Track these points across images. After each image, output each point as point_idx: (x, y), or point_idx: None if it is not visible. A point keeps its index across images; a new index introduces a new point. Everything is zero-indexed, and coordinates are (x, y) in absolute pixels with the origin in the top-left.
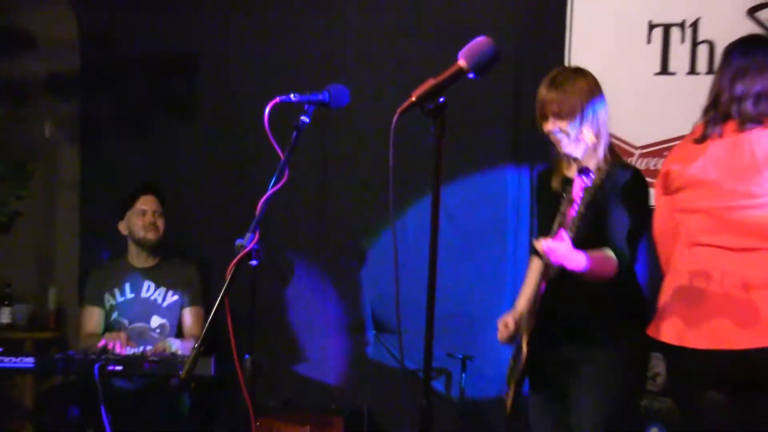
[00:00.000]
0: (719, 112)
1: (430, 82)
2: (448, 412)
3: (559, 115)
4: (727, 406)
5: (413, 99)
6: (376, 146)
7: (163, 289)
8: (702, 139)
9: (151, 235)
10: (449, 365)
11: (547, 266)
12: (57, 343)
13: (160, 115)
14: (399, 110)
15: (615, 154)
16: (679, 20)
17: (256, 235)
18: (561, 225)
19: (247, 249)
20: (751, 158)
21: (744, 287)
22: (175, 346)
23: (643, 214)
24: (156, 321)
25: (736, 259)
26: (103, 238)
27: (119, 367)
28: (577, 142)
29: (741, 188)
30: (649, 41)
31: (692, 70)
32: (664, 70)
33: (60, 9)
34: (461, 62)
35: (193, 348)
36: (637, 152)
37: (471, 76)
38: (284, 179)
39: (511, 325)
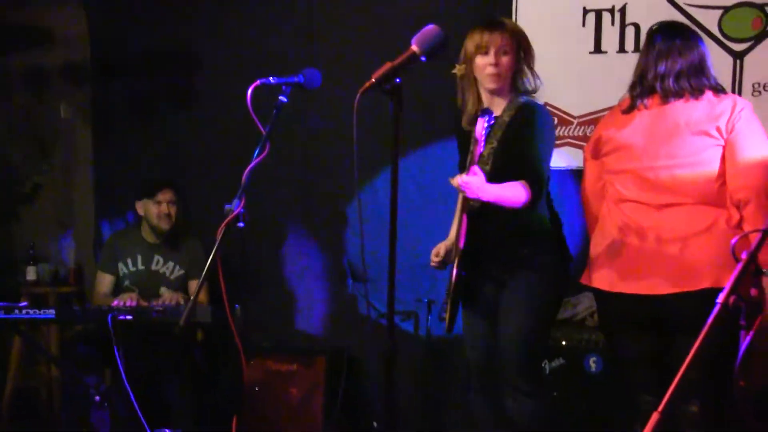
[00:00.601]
0: (645, 87)
1: (387, 65)
2: (415, 349)
3: (504, 51)
4: (647, 343)
5: (373, 80)
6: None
7: (171, 264)
8: (629, 109)
9: (164, 224)
10: (418, 309)
11: (466, 200)
12: (76, 296)
13: (163, 101)
14: (360, 90)
15: (520, 91)
16: (609, 6)
17: (242, 201)
18: (471, 162)
19: (235, 213)
20: (674, 125)
21: (661, 240)
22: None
23: (548, 144)
24: (164, 291)
25: (655, 214)
26: (114, 205)
27: (129, 317)
28: (504, 78)
29: (663, 151)
30: (584, 24)
31: (621, 49)
32: (597, 49)
33: (72, 6)
34: (414, 47)
35: (190, 300)
36: (575, 121)
37: (423, 59)
38: (266, 152)
39: (442, 253)
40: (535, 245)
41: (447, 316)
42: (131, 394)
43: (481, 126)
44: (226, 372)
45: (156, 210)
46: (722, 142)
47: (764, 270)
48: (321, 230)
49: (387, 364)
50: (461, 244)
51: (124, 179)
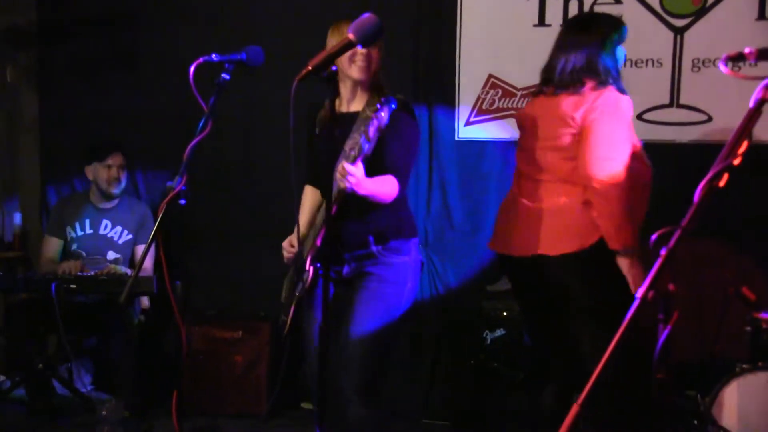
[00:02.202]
0: (547, 76)
1: (324, 53)
2: None
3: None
4: (533, 301)
5: (309, 68)
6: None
7: (119, 228)
8: (536, 93)
9: (113, 188)
10: None
11: (340, 191)
12: (21, 262)
13: (108, 63)
14: (297, 78)
15: (384, 85)
16: None
17: (184, 178)
18: (353, 154)
19: (176, 190)
20: (554, 114)
21: (534, 209)
22: (123, 269)
23: (413, 141)
24: (111, 255)
25: (533, 186)
26: (60, 170)
27: (73, 285)
28: (368, 70)
29: (542, 134)
30: None
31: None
32: (541, 22)
33: None
34: (350, 35)
35: (131, 275)
36: (519, 93)
37: (359, 47)
38: (207, 129)
39: (296, 246)
40: (396, 240)
41: (289, 319)
42: (69, 364)
43: (375, 122)
44: (169, 339)
45: (106, 174)
46: (575, 130)
47: (619, 250)
48: (263, 199)
49: (320, 339)
50: (318, 241)
51: (71, 144)
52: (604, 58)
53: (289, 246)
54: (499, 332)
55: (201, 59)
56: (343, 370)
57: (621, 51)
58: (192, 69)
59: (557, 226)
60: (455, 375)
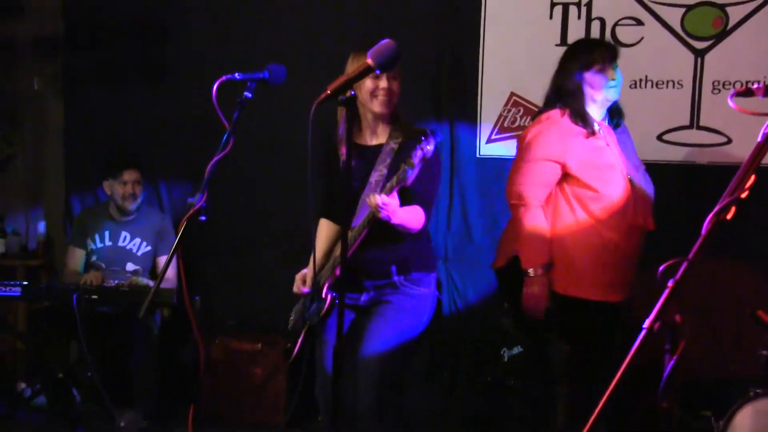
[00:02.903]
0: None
1: (343, 78)
2: None
3: (394, 76)
4: None
5: (329, 92)
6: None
7: (138, 240)
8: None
9: (128, 204)
10: None
11: (371, 218)
12: (45, 269)
13: (134, 74)
14: (316, 101)
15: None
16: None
17: (205, 195)
18: (391, 184)
19: (196, 207)
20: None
21: None
22: (144, 281)
23: (438, 174)
24: (131, 266)
25: None
26: (84, 180)
27: (95, 296)
28: (390, 104)
29: None
30: (551, 17)
31: None
32: (563, 41)
33: None
34: (369, 61)
35: (152, 288)
36: None
37: (378, 72)
38: (229, 147)
39: (309, 279)
40: (416, 270)
41: (297, 346)
42: (90, 373)
43: (419, 153)
44: (188, 351)
45: (121, 190)
46: None
47: (528, 271)
48: (291, 211)
49: (335, 357)
50: (338, 270)
51: (95, 153)
52: (555, 80)
53: (301, 282)
54: (517, 350)
55: (224, 77)
56: (355, 390)
57: (595, 76)
58: (215, 87)
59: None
60: (473, 391)
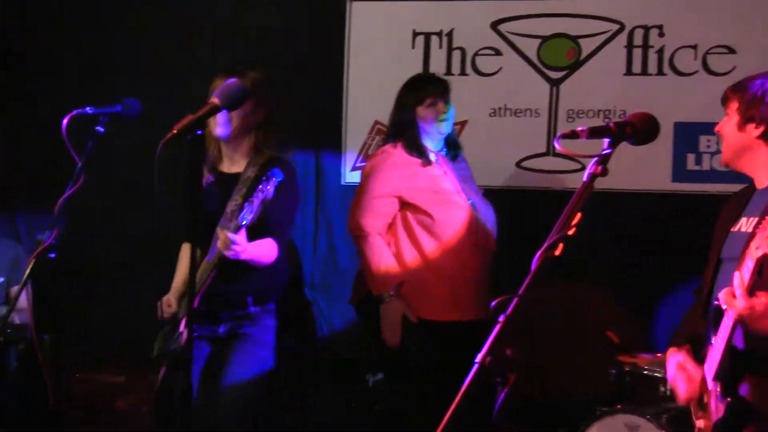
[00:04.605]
0: None
1: (189, 117)
2: None
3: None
4: None
5: (175, 131)
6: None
7: None
8: None
9: None
10: None
11: (221, 257)
12: None
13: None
14: (162, 141)
15: (266, 144)
16: (437, 30)
17: (54, 232)
18: (235, 225)
19: (45, 244)
20: None
21: None
22: None
23: (294, 206)
24: None
25: None
26: None
27: None
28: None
29: None
30: (413, 47)
31: (448, 72)
32: (426, 70)
33: None
34: (215, 100)
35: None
36: None
37: (224, 111)
38: (80, 182)
39: (174, 305)
40: (270, 300)
41: (161, 377)
42: None
43: (264, 185)
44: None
45: None
46: None
47: (380, 296)
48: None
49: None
50: (196, 302)
51: None
52: (392, 116)
53: (166, 306)
54: (380, 375)
55: (75, 112)
56: (218, 422)
57: (427, 110)
58: (65, 122)
59: None
60: (339, 418)
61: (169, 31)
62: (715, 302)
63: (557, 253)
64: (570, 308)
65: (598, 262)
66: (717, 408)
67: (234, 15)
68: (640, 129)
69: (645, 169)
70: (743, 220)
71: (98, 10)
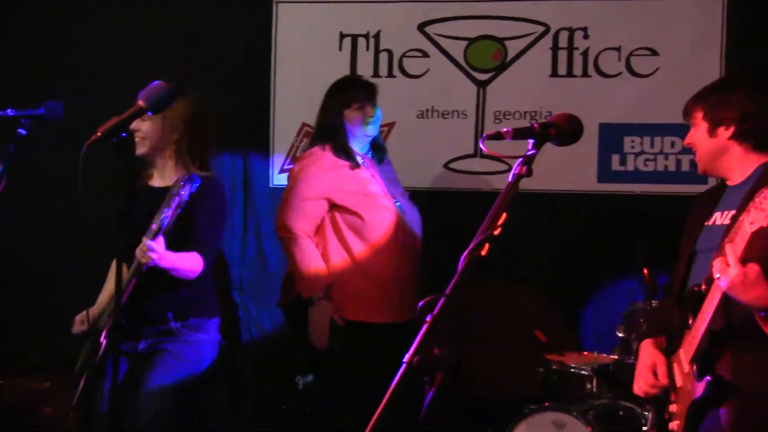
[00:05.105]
0: None
1: (114, 120)
2: None
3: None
4: None
5: (99, 134)
6: None
7: None
8: None
9: None
10: None
11: (138, 266)
12: None
13: None
14: (86, 143)
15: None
16: (364, 31)
17: None
18: (154, 229)
19: None
20: None
21: None
22: None
23: (219, 216)
24: None
25: None
26: None
27: None
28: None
29: None
30: (340, 49)
31: (375, 74)
32: (353, 72)
33: None
34: (140, 102)
35: None
36: None
37: (149, 113)
38: (2, 185)
39: (85, 325)
40: (192, 312)
41: (80, 391)
42: None
43: (181, 194)
44: None
45: None
46: None
47: (309, 299)
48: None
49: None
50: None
51: None
52: (318, 118)
53: (79, 323)
54: (310, 377)
55: None
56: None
57: (354, 114)
58: None
59: None
60: (272, 419)
61: (94, 35)
62: (695, 288)
63: (483, 253)
64: (498, 308)
65: (525, 263)
66: (694, 388)
67: (160, 18)
68: (563, 130)
69: (571, 170)
70: (717, 214)
71: (21, 12)
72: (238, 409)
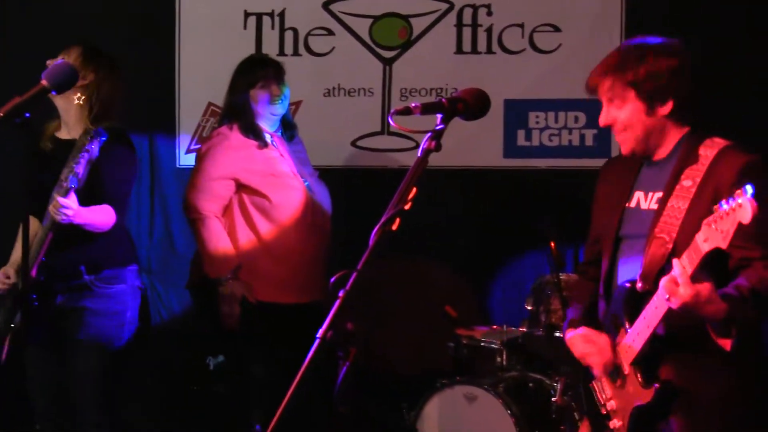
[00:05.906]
0: None
1: (16, 100)
2: None
3: (64, 88)
4: None
5: (1, 114)
6: None
7: None
8: None
9: None
10: None
11: (54, 222)
12: None
13: None
14: None
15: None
16: (269, 10)
17: None
18: (65, 186)
19: None
20: None
21: None
22: None
23: (128, 169)
24: None
25: None
26: None
27: None
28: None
29: None
30: (245, 27)
31: (281, 52)
32: (258, 51)
33: None
34: (44, 82)
35: None
36: None
37: (53, 93)
38: None
39: (12, 277)
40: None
41: (5, 349)
42: None
43: (86, 151)
44: None
45: None
46: None
47: (218, 280)
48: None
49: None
50: (34, 272)
51: None
52: (226, 98)
53: (3, 277)
54: (221, 358)
55: None
56: (73, 403)
57: (260, 92)
58: None
59: None
60: (187, 401)
61: None
62: (626, 284)
63: (394, 227)
64: (408, 284)
65: (434, 239)
66: (638, 393)
67: None
68: (471, 104)
69: (477, 146)
70: (639, 194)
71: None
72: (153, 393)
